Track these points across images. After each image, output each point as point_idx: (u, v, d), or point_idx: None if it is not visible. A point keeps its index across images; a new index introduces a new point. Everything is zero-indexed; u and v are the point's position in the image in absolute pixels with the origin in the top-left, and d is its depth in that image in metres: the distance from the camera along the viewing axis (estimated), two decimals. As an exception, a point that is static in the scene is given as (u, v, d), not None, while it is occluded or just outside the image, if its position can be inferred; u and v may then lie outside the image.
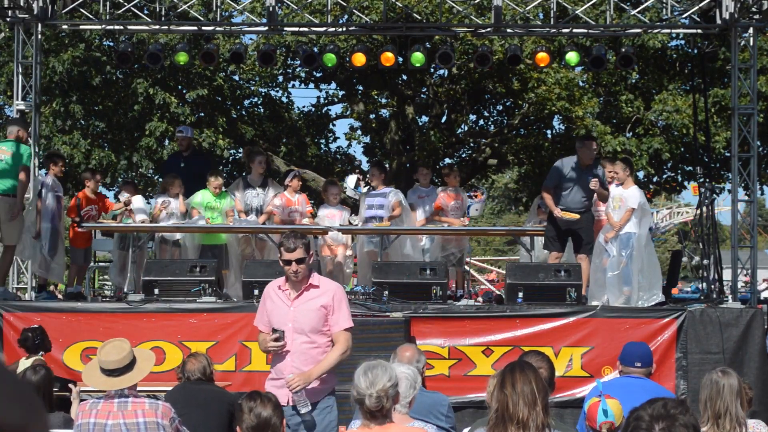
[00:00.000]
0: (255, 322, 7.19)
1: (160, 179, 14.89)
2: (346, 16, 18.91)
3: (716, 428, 5.47)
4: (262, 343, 7.09)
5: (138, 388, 6.14)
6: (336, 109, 26.24)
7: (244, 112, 23.46)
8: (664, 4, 14.93)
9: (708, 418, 5.52)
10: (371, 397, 4.73)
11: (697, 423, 3.08)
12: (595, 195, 12.60)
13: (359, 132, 26.24)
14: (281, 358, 6.90)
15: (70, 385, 7.57)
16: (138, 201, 13.88)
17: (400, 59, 15.44)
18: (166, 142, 21.63)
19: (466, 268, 15.02)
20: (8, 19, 14.53)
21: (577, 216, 12.01)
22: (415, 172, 14.92)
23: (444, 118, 24.25)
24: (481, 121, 25.01)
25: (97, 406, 5.96)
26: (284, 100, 24.58)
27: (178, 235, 13.57)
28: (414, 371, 5.78)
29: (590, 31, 16.11)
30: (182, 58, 15.15)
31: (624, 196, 11.84)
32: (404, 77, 23.04)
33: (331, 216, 13.37)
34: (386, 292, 11.42)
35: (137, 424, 5.87)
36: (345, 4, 17.58)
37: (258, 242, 13.51)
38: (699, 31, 14.91)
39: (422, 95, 24.17)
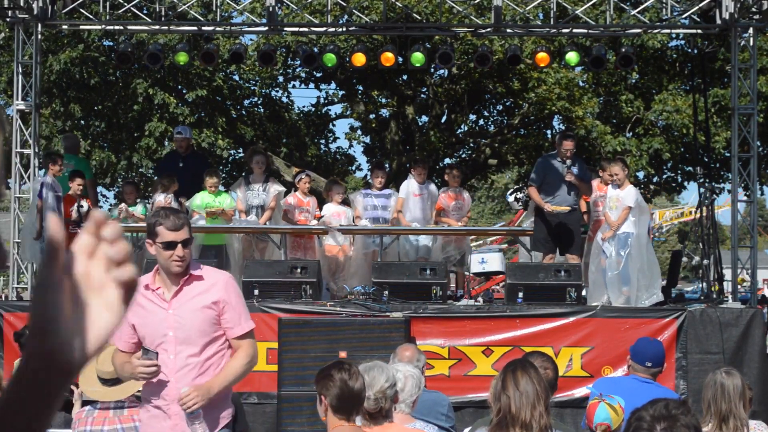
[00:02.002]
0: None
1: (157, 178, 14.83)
2: (346, 16, 18.90)
3: (720, 429, 5.45)
4: (124, 368, 5.27)
5: (137, 388, 6.12)
6: (336, 109, 26.27)
7: (243, 112, 23.46)
8: (664, 4, 14.93)
9: (711, 418, 5.50)
10: (369, 399, 4.74)
11: (698, 424, 3.08)
12: (595, 195, 12.64)
13: (359, 132, 26.25)
14: (160, 381, 5.17)
15: (72, 386, 7.56)
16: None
17: (400, 59, 15.43)
18: (166, 142, 21.63)
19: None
20: (8, 19, 14.53)
21: (567, 208, 12.06)
22: (411, 169, 14.88)
23: (444, 118, 24.25)
24: (481, 121, 25.04)
25: (92, 414, 5.94)
26: (284, 100, 24.59)
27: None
28: (419, 371, 5.79)
29: (590, 31, 16.10)
30: (182, 58, 15.15)
31: (620, 196, 11.85)
32: (404, 77, 23.05)
33: (336, 215, 13.36)
34: (386, 292, 11.42)
35: (135, 428, 5.86)
36: (345, 4, 17.57)
37: (258, 242, 13.51)
38: (699, 31, 14.92)
39: (422, 95, 24.17)
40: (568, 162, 12.13)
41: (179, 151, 14.61)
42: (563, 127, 22.76)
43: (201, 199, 13.39)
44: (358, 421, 4.90)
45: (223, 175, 22.65)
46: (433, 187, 13.89)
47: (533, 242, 12.65)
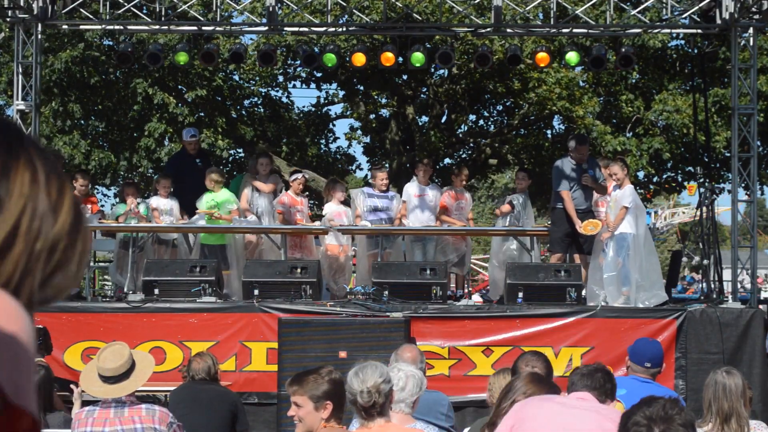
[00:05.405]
0: None
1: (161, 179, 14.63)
2: (346, 16, 18.90)
3: (722, 429, 5.43)
4: None
5: (137, 388, 6.12)
6: (336, 109, 26.26)
7: (244, 112, 23.45)
8: (664, 4, 14.93)
9: (711, 418, 5.48)
10: (362, 393, 4.77)
11: (693, 420, 3.09)
12: (595, 194, 12.66)
13: (359, 132, 26.24)
14: None
15: (72, 386, 7.56)
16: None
17: (400, 59, 15.43)
18: (166, 142, 21.62)
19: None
20: (8, 19, 14.53)
21: (595, 232, 11.99)
22: (414, 168, 14.83)
23: (444, 118, 24.25)
24: (481, 121, 25.02)
25: (93, 414, 5.94)
26: (284, 100, 24.58)
27: (174, 236, 13.57)
28: (421, 372, 5.79)
29: (590, 31, 16.10)
30: (182, 58, 15.14)
31: (619, 197, 11.85)
32: (404, 77, 23.04)
33: (338, 215, 13.31)
34: (386, 292, 11.41)
35: (135, 430, 5.86)
36: (345, 4, 17.57)
37: (263, 242, 13.49)
38: (699, 31, 14.91)
39: (422, 95, 24.16)
40: (585, 166, 12.19)
41: (190, 152, 14.49)
42: (563, 127, 22.77)
43: (205, 199, 13.40)
44: (356, 423, 4.92)
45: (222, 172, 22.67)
46: (434, 187, 13.86)
47: (551, 243, 12.66)
